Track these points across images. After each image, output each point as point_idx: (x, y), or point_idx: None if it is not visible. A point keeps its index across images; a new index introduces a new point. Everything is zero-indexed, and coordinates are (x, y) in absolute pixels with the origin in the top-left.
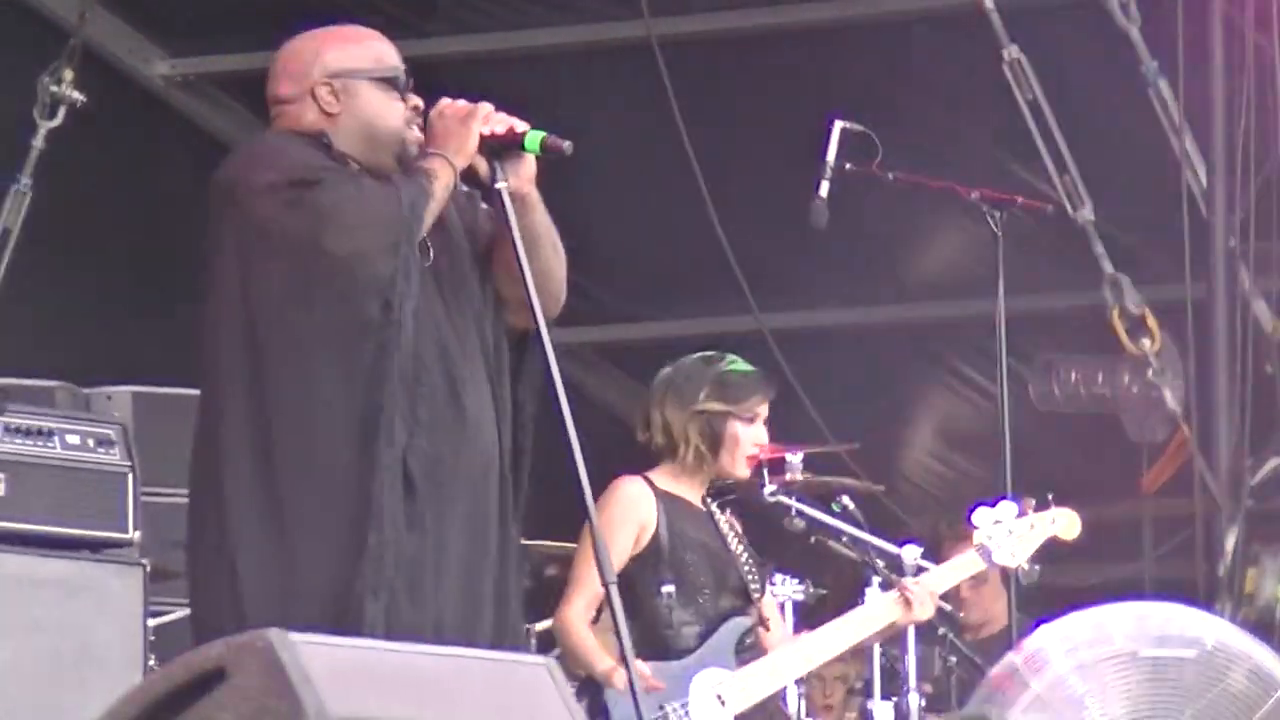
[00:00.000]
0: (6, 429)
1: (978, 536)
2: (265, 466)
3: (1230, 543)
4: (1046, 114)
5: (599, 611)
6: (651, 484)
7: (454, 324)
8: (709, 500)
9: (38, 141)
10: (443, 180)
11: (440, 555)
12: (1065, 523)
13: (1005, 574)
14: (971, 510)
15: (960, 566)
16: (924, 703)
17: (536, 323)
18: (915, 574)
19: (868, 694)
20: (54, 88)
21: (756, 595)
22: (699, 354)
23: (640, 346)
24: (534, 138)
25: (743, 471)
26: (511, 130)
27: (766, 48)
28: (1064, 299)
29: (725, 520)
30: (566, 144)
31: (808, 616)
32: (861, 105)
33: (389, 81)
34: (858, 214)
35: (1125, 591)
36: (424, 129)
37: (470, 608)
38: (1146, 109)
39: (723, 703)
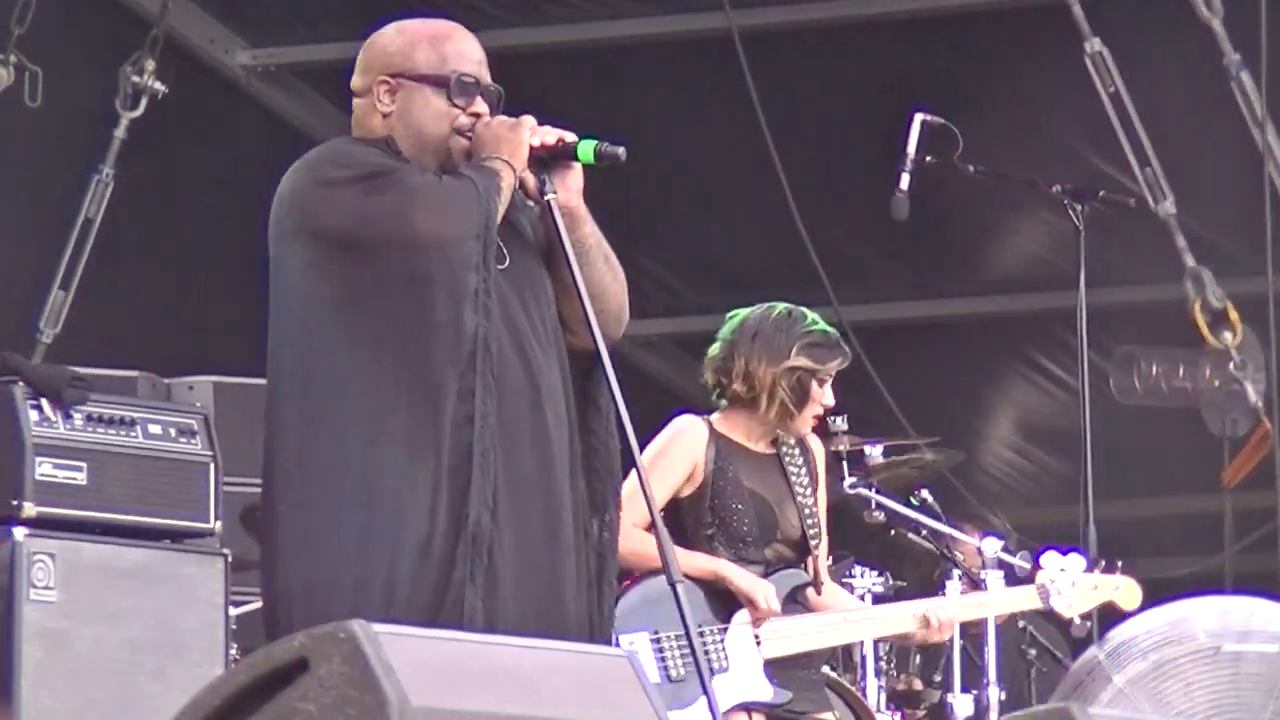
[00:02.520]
0: (89, 419)
1: (1041, 577)
2: (341, 462)
3: None
4: (1128, 107)
5: None
6: (710, 425)
7: (533, 326)
8: (783, 444)
9: (119, 132)
10: (506, 180)
11: (517, 550)
12: (1127, 592)
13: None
14: (1042, 551)
15: (1015, 599)
16: (1004, 696)
17: (594, 335)
18: (997, 566)
19: (947, 687)
20: (136, 78)
21: (815, 544)
22: (773, 306)
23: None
24: (586, 147)
25: (806, 429)
26: (561, 140)
27: (847, 39)
28: (1145, 292)
29: (800, 461)
30: (620, 150)
31: None
32: (942, 98)
33: (444, 85)
34: (938, 207)
35: (1206, 586)
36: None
37: (550, 599)
38: (1229, 102)
39: (758, 642)
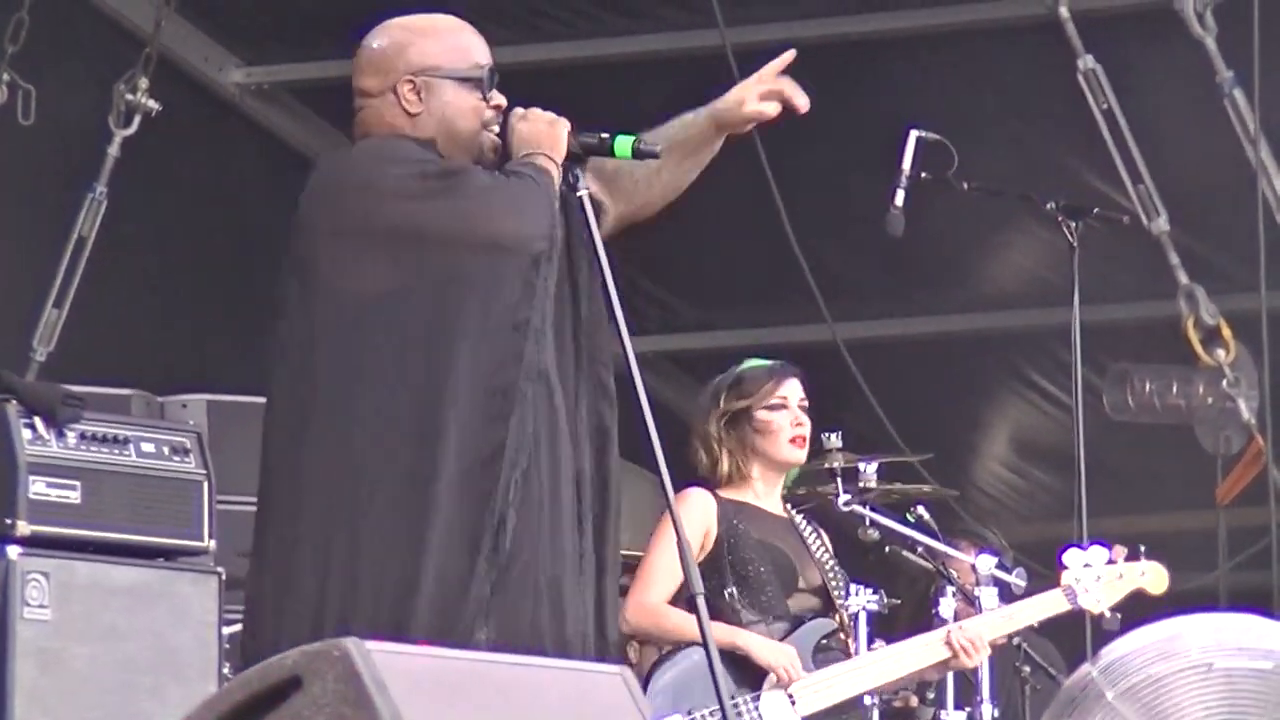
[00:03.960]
0: (82, 437)
1: (1066, 577)
2: (388, 466)
3: None
4: (1121, 124)
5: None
6: (714, 493)
7: (556, 330)
8: (790, 508)
9: (113, 149)
10: (554, 177)
11: (529, 562)
12: (1154, 577)
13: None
14: (1063, 550)
15: (1042, 606)
16: (997, 713)
17: (627, 354)
18: (991, 583)
19: (940, 704)
20: (129, 96)
21: (840, 601)
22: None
23: (714, 356)
24: (624, 143)
25: (793, 455)
26: (599, 137)
27: (841, 57)
28: (1139, 309)
29: (812, 530)
30: (659, 148)
31: (881, 626)
32: (937, 115)
33: (472, 80)
34: (933, 223)
35: (1200, 602)
36: (501, 132)
37: (556, 619)
38: (1222, 119)
39: (793, 702)
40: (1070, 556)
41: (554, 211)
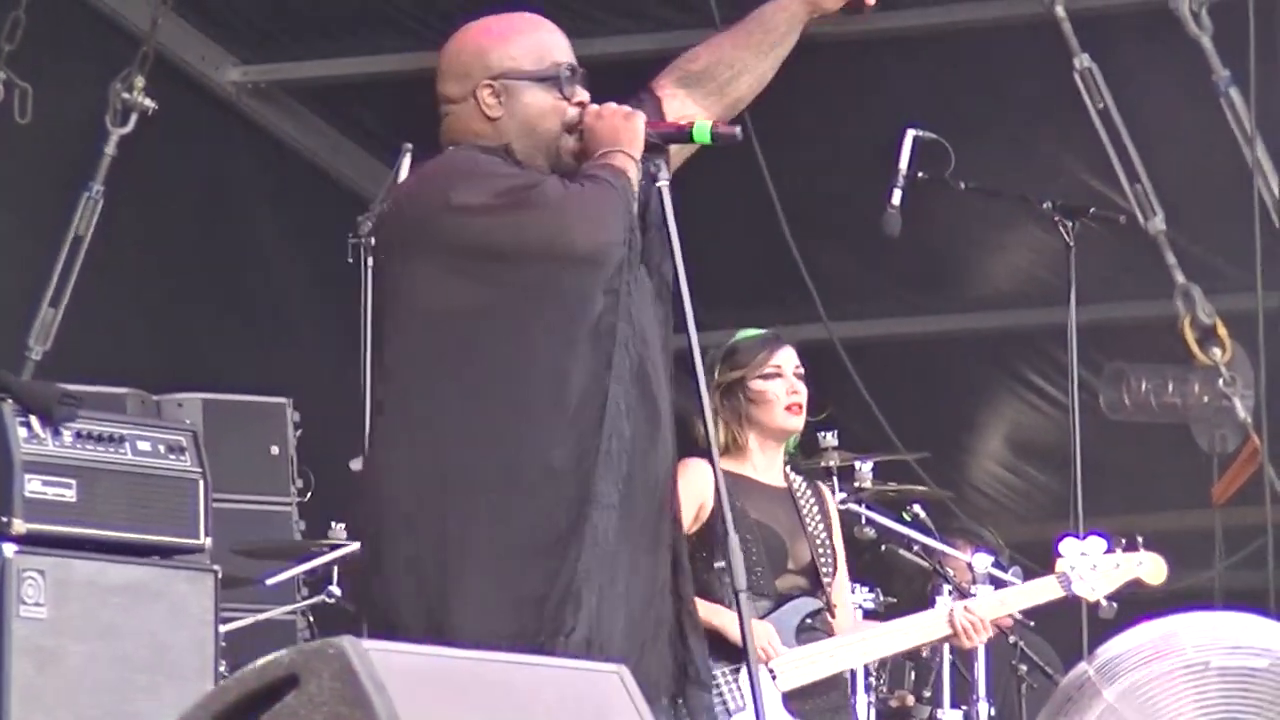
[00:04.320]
0: (78, 435)
1: (1061, 564)
2: (487, 473)
3: None
4: (1118, 123)
5: None
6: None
7: (649, 326)
8: (791, 474)
9: (109, 148)
10: (633, 175)
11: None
12: (1152, 567)
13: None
14: (1060, 539)
15: (1036, 591)
16: (994, 712)
17: (692, 351)
18: (988, 583)
19: (937, 703)
20: (125, 94)
21: (827, 579)
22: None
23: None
24: (702, 129)
25: (789, 423)
26: (677, 124)
27: (838, 56)
28: (1135, 309)
29: (811, 499)
30: (737, 130)
31: None
32: (933, 114)
33: (550, 79)
34: (930, 223)
35: (1196, 601)
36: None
37: (635, 630)
38: (1218, 118)
39: (774, 677)
40: (1066, 545)
41: (631, 214)
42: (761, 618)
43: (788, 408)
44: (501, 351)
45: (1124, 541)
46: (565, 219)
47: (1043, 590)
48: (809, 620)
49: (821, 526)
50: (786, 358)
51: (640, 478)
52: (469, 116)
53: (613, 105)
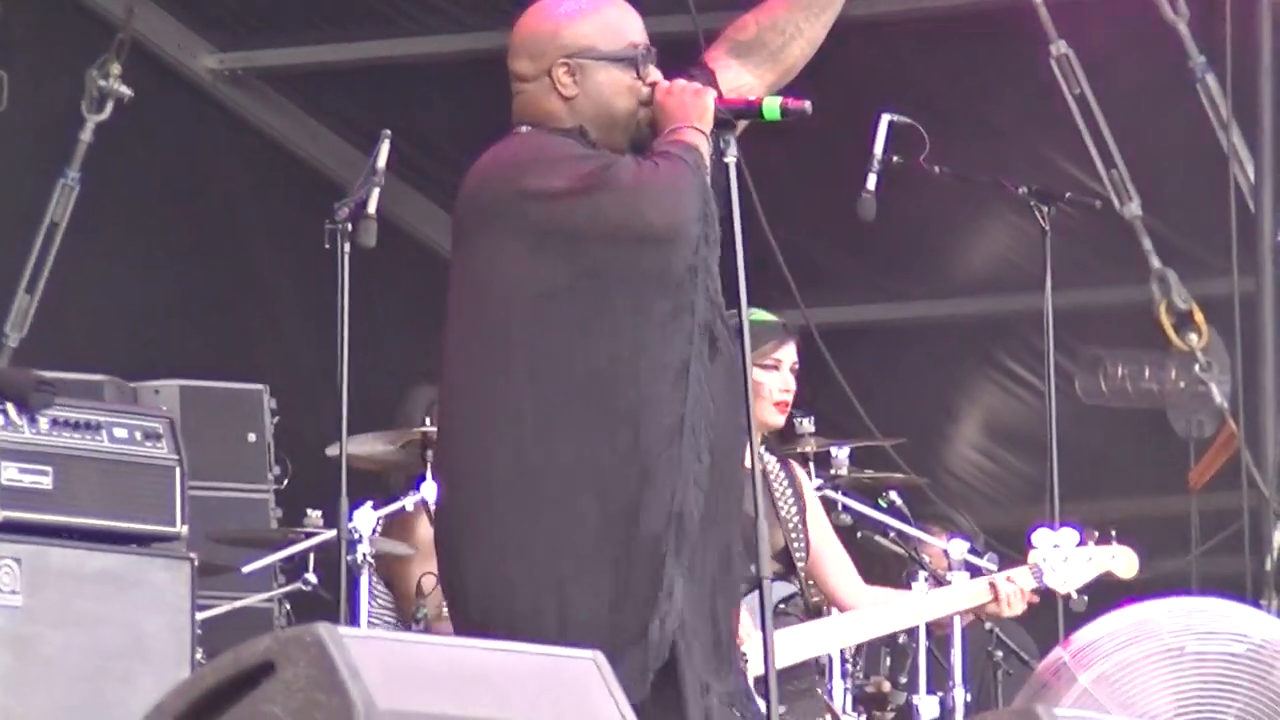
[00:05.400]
0: (54, 423)
1: (1034, 556)
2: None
3: (1277, 538)
4: (1094, 109)
5: None
6: None
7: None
8: (767, 460)
9: (85, 135)
10: (703, 150)
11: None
12: (1124, 562)
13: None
14: (1033, 529)
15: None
16: (970, 698)
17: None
18: (963, 568)
19: (913, 689)
20: (101, 82)
21: (800, 563)
22: None
23: None
24: (771, 104)
25: (774, 419)
26: (747, 100)
27: None
28: (1111, 294)
29: (785, 482)
30: (806, 104)
31: None
32: (908, 99)
33: (626, 59)
34: (904, 208)
35: (1172, 587)
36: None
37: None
38: (1194, 104)
39: (746, 661)
40: (1039, 536)
41: (705, 189)
42: None
43: (776, 403)
44: (584, 332)
45: (1096, 534)
46: (641, 199)
47: (1020, 580)
48: (781, 605)
49: (795, 510)
50: (788, 353)
51: (722, 458)
52: (542, 95)
53: (682, 82)
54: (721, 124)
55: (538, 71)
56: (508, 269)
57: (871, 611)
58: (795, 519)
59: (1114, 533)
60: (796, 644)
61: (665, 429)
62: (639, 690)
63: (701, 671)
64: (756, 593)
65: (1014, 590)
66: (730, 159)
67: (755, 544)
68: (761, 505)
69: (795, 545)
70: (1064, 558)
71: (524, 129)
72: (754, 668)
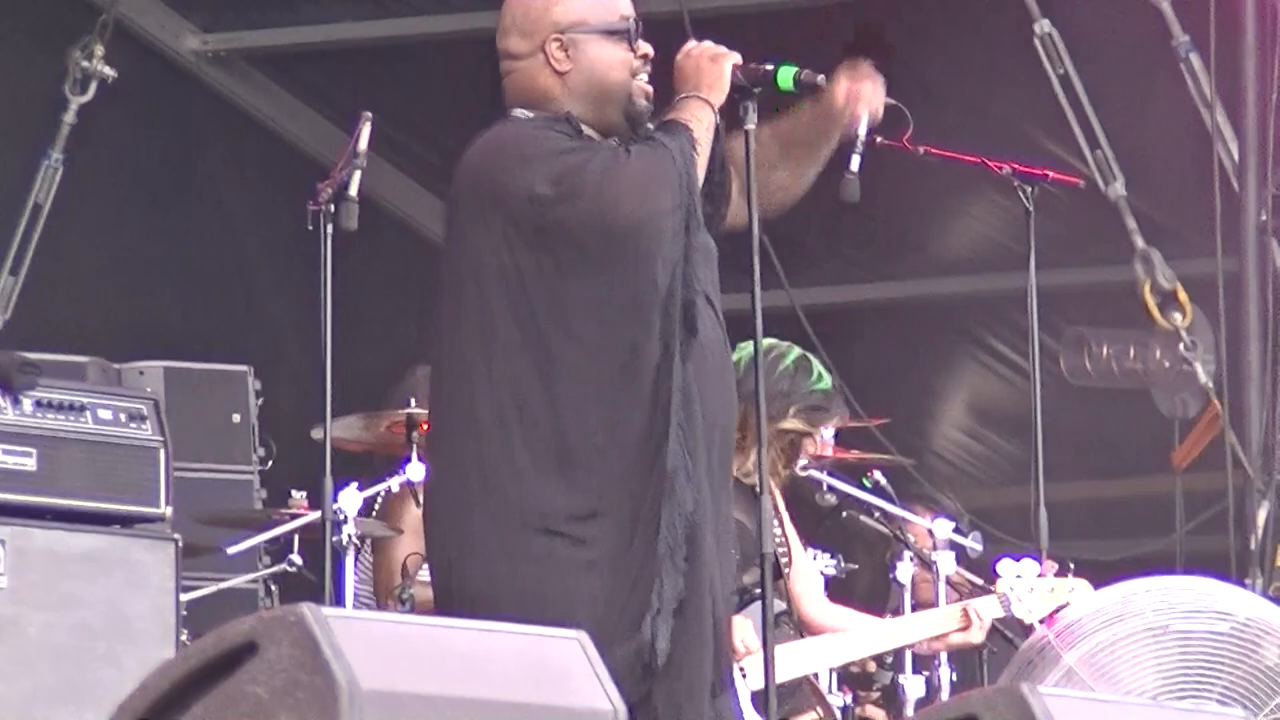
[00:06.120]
0: (38, 404)
1: (1000, 585)
2: (564, 452)
3: (1262, 517)
4: (1078, 88)
5: None
6: None
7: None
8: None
9: (69, 117)
10: (704, 123)
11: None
12: (1082, 594)
13: None
14: (997, 560)
15: (978, 610)
16: (955, 677)
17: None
18: (948, 548)
19: (898, 668)
20: (85, 63)
21: (785, 569)
22: (783, 354)
23: None
24: (786, 74)
25: (786, 474)
26: (762, 68)
27: (796, 21)
28: (1095, 274)
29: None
30: (820, 77)
31: (839, 591)
32: (892, 79)
33: (618, 33)
34: (888, 188)
35: (1157, 566)
36: (652, 79)
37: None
38: (1178, 83)
39: (744, 676)
40: (1003, 567)
41: (684, 177)
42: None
43: (800, 465)
44: (563, 323)
45: (1055, 566)
46: (608, 197)
47: (984, 609)
48: (776, 616)
49: (779, 523)
50: (830, 433)
51: (718, 449)
52: (536, 73)
53: (703, 45)
54: (741, 90)
55: (531, 48)
56: (490, 258)
57: (857, 634)
58: (777, 531)
59: (1071, 565)
60: (789, 662)
61: (641, 425)
62: (633, 684)
63: (708, 673)
64: (748, 608)
65: (980, 621)
66: (749, 126)
67: (755, 551)
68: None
69: (781, 552)
70: (1029, 588)
71: (516, 113)
72: (754, 681)
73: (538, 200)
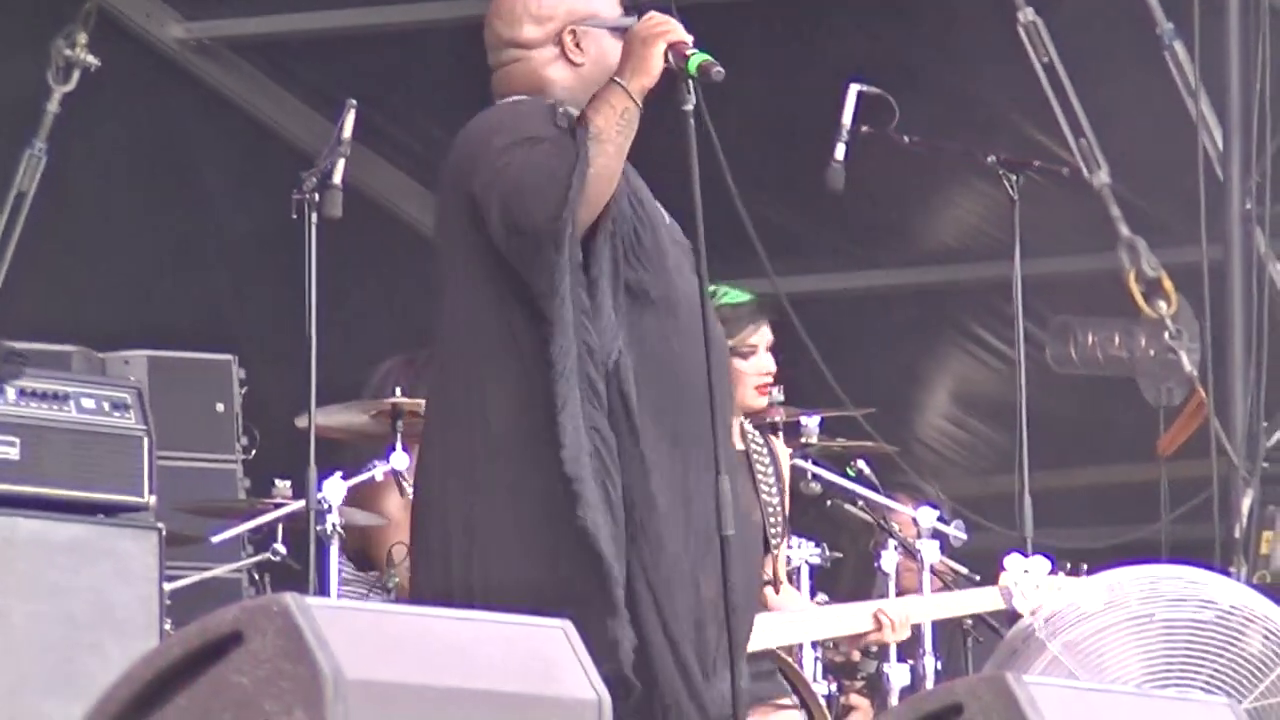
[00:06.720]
0: (22, 393)
1: (1004, 579)
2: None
3: (1246, 505)
4: (1062, 77)
5: None
6: None
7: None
8: (750, 439)
9: (52, 105)
10: (617, 108)
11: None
12: (1090, 595)
13: None
14: (1006, 554)
15: (977, 600)
16: (940, 666)
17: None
18: (932, 536)
19: (883, 657)
20: (68, 51)
21: (775, 543)
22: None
23: None
24: (696, 59)
25: (755, 402)
26: (684, 53)
27: (783, 11)
28: (1080, 262)
29: (766, 459)
30: (718, 70)
31: (824, 580)
32: (877, 68)
33: (623, 28)
34: (874, 177)
35: (1142, 554)
36: None
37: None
38: (1162, 71)
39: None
40: (1011, 561)
41: (572, 182)
42: None
43: (757, 387)
44: (513, 310)
45: (1069, 565)
46: (510, 197)
47: (983, 600)
48: None
49: (775, 490)
50: (763, 336)
51: (688, 434)
52: (545, 62)
53: (646, 21)
54: (671, 74)
55: (544, 37)
56: (463, 240)
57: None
58: (775, 501)
59: (1085, 567)
60: (767, 632)
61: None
62: (612, 661)
63: (700, 655)
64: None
65: (902, 615)
66: (687, 106)
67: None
68: (742, 486)
69: (772, 525)
70: (1035, 584)
71: (496, 106)
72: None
73: (481, 187)
